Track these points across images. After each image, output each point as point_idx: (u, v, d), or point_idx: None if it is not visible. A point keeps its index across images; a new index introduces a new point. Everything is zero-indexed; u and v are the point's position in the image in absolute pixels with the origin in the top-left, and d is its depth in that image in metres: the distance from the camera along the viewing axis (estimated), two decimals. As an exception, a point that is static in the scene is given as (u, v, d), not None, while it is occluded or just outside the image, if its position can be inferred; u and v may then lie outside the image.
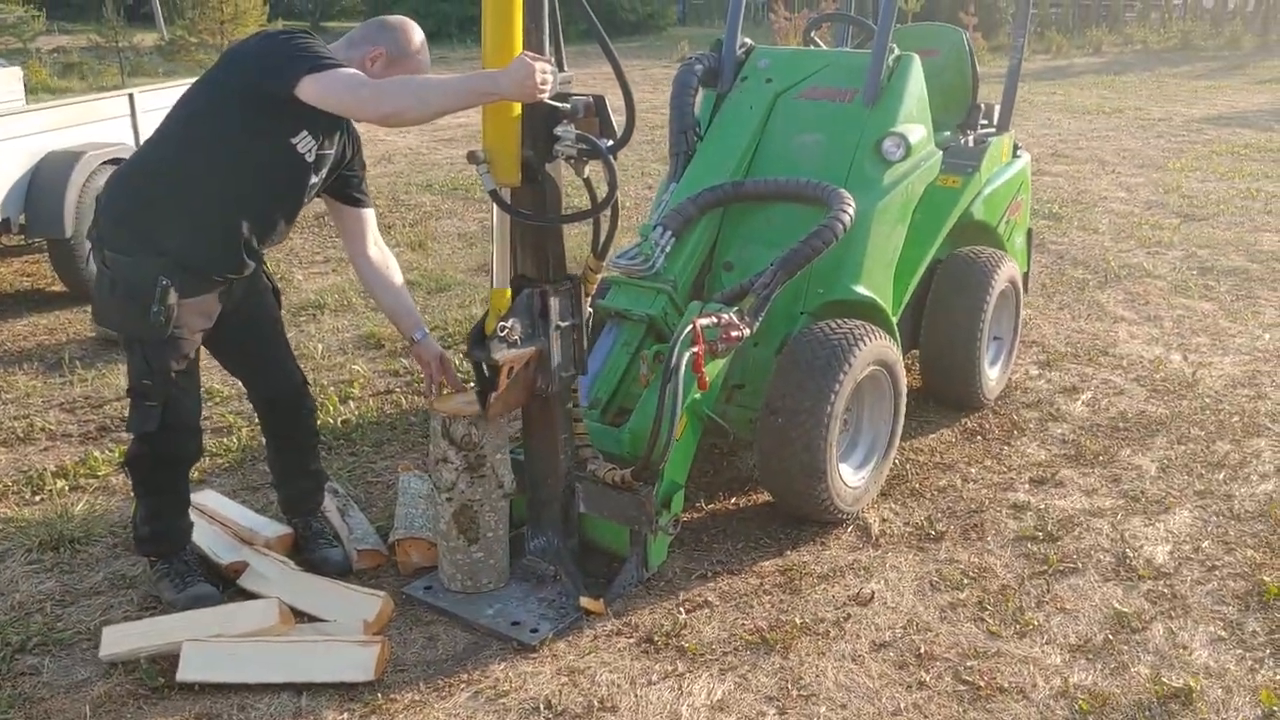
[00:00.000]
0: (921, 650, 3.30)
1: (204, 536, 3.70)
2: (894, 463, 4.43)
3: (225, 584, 3.56)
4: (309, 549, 3.78)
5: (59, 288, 6.73)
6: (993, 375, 5.03)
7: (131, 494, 3.53)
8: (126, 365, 3.37)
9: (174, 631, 3.23)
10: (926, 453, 4.59)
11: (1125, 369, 5.49)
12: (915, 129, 4.31)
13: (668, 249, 4.15)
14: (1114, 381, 5.33)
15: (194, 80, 3.38)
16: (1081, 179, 10.41)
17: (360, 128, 3.56)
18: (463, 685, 3.14)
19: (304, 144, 3.22)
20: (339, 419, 4.89)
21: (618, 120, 3.21)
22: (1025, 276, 5.59)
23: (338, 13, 41.29)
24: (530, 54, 3.01)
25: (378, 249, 3.58)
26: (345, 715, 3.02)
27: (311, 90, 3.00)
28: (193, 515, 3.74)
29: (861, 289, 4.12)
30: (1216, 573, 3.71)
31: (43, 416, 4.94)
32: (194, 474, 4.30)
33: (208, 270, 3.27)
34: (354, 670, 3.13)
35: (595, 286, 3.55)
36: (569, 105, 3.17)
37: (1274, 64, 21.22)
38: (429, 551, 3.74)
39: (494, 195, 3.21)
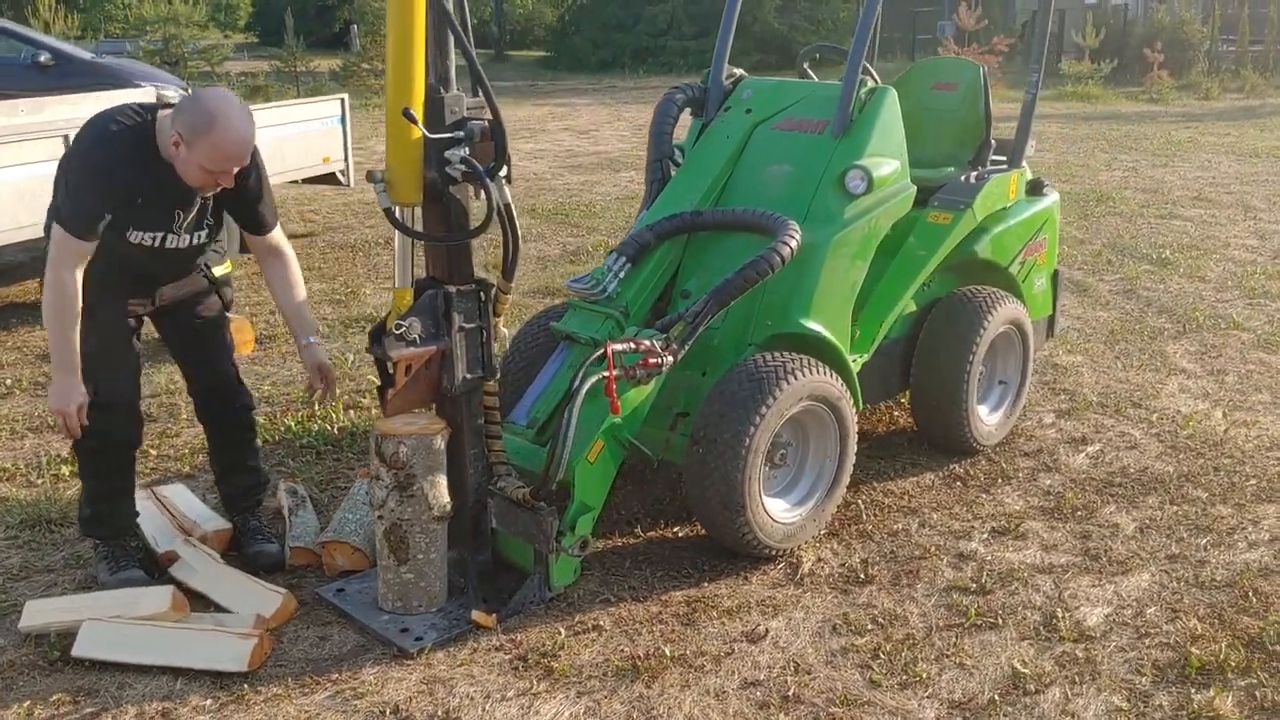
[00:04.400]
0: (790, 693, 3.22)
1: (150, 525, 3.94)
2: (856, 503, 4.33)
3: (161, 571, 3.79)
4: (246, 544, 3.97)
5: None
6: (991, 420, 4.83)
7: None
8: None
9: (83, 610, 3.45)
10: (895, 495, 4.46)
11: (1150, 423, 5.17)
12: (884, 163, 4.20)
13: (621, 274, 4.18)
14: (1130, 435, 5.03)
15: None
16: (1214, 224, 9.83)
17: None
18: (328, 685, 3.25)
19: (139, 236, 3.47)
20: (336, 426, 5.10)
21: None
22: (1050, 321, 5.36)
23: (530, 43, 42.56)
24: (78, 396, 3.40)
25: (278, 259, 3.76)
26: (209, 702, 3.17)
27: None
28: (148, 504, 4.02)
29: (810, 323, 4.05)
30: (1146, 640, 3.47)
31: (78, 408, 5.33)
32: (184, 468, 4.61)
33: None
34: (230, 660, 3.28)
35: (505, 306, 3.63)
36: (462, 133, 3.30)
37: None
38: (354, 556, 3.87)
39: (387, 213, 3.34)
